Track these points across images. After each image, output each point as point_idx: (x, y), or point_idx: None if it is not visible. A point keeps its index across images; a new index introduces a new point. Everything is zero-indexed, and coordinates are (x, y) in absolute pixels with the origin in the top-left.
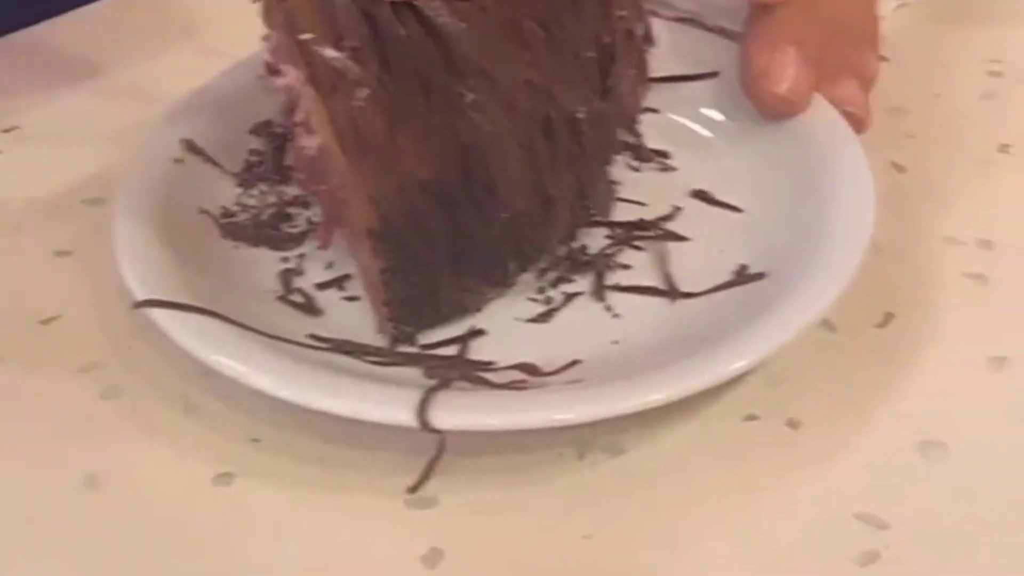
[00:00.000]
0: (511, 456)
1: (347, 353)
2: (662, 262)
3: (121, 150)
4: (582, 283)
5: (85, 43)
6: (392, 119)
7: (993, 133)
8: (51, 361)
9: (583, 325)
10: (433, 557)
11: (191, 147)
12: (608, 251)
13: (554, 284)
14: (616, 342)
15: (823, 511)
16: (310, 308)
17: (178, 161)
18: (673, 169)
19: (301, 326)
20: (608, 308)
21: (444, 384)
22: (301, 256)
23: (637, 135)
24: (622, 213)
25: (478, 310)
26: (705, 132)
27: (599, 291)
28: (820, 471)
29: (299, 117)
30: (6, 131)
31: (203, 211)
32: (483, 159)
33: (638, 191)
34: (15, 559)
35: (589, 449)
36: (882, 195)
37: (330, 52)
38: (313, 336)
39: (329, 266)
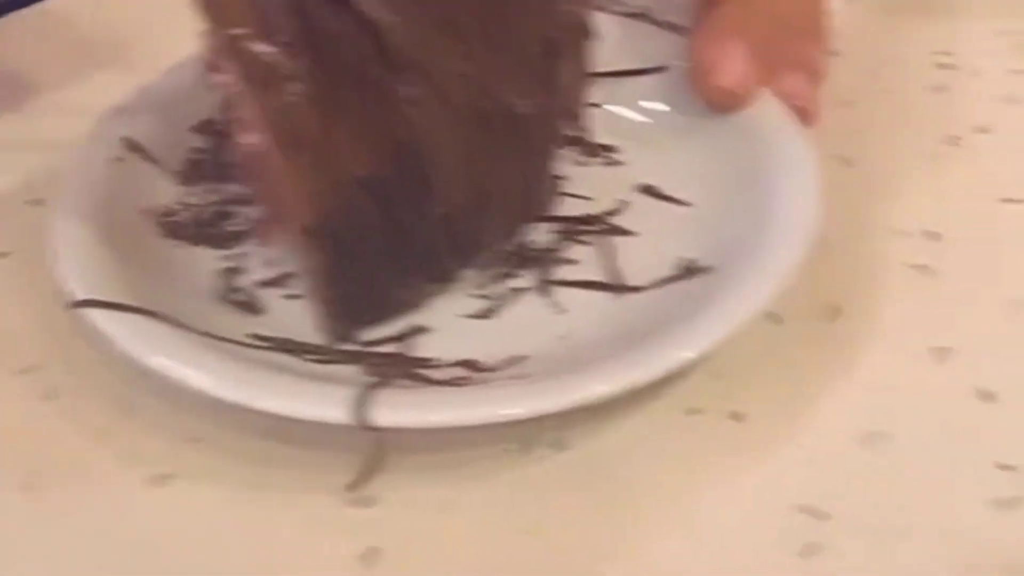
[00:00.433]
0: (454, 453)
1: (288, 352)
2: (608, 257)
3: (65, 151)
4: (527, 278)
5: (27, 49)
6: (326, 114)
7: (941, 125)
8: None
9: (528, 321)
10: (371, 556)
11: (132, 146)
12: (553, 246)
13: (498, 280)
14: (562, 337)
15: (766, 504)
16: (251, 307)
17: (119, 160)
18: (621, 164)
19: (242, 325)
20: (553, 303)
21: (384, 382)
22: (243, 255)
23: (583, 130)
24: (568, 208)
25: (420, 307)
26: (653, 126)
27: (544, 286)
28: (764, 464)
29: (237, 114)
30: None
31: (144, 210)
32: (420, 154)
33: (585, 186)
34: None
35: (533, 445)
36: (831, 188)
37: (262, 47)
38: (254, 335)
39: (271, 264)
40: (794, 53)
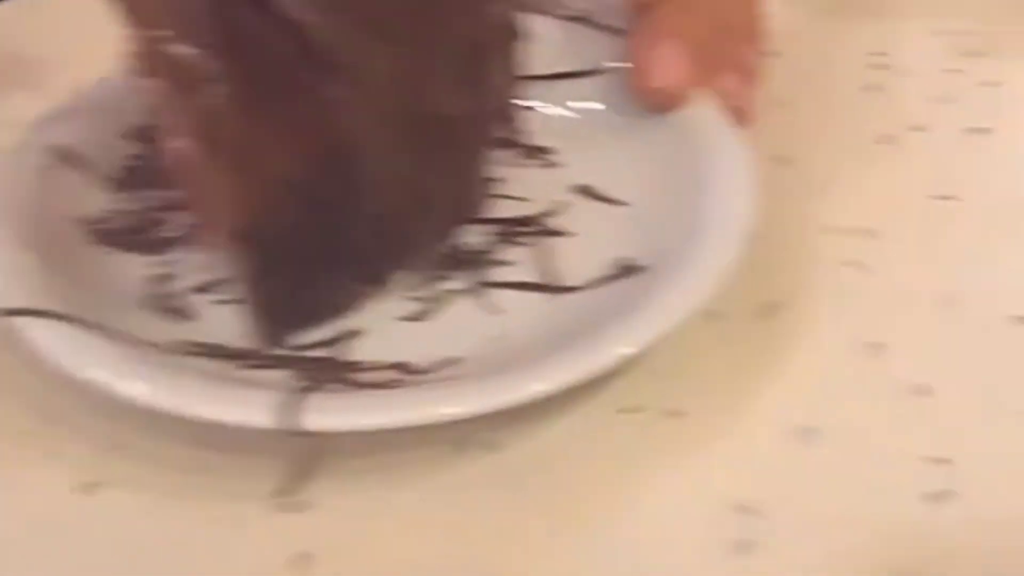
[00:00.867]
0: (387, 456)
1: (218, 357)
2: (544, 258)
3: None
4: (462, 280)
5: None
6: (250, 116)
7: (877, 125)
8: None
9: (462, 322)
10: (302, 562)
11: (62, 153)
12: (488, 248)
13: (433, 282)
14: (496, 338)
15: (702, 501)
16: (183, 313)
17: (48, 168)
18: (558, 165)
19: (174, 331)
20: (488, 305)
21: (314, 386)
22: (174, 261)
23: (517, 131)
24: (505, 210)
25: (353, 310)
26: (590, 128)
27: (479, 288)
28: (699, 461)
29: (163, 118)
30: None
31: (74, 218)
32: (348, 156)
33: (521, 187)
34: None
35: (466, 446)
36: (767, 186)
37: (182, 50)
38: (185, 341)
39: (203, 270)
40: (730, 54)
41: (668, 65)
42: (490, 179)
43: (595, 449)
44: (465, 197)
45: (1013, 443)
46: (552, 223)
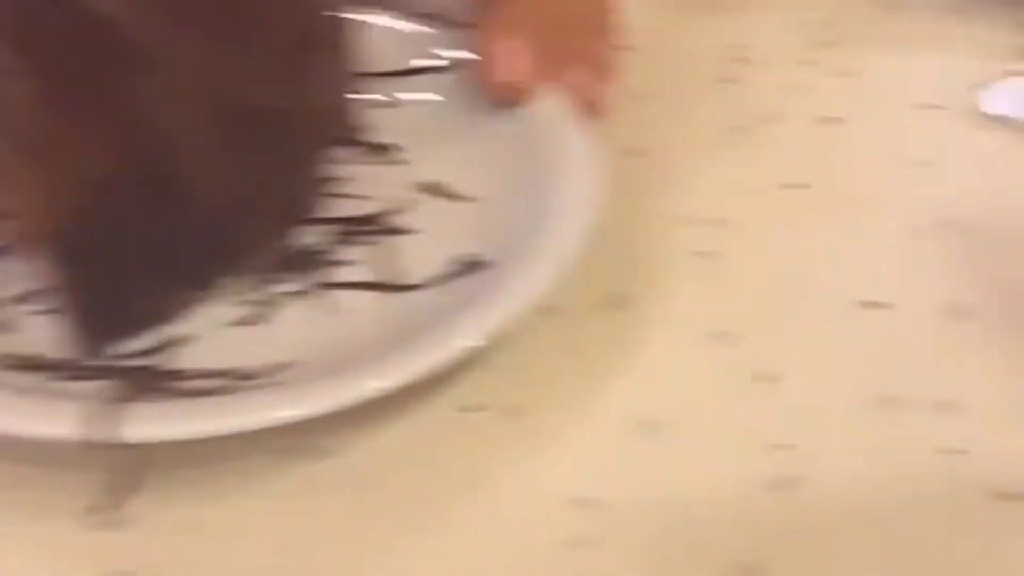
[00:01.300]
0: (210, 468)
1: (34, 369)
2: (386, 256)
3: None
4: (298, 282)
5: None
6: (57, 114)
7: (731, 116)
8: None
9: (298, 326)
10: None
11: None
12: (327, 248)
13: (266, 285)
14: (334, 340)
15: (541, 497)
16: (2, 324)
17: None
18: (404, 162)
19: None
20: (326, 307)
21: (132, 396)
22: None
23: (360, 129)
24: (346, 209)
25: (180, 316)
26: (437, 124)
27: (316, 289)
28: (540, 458)
29: None
30: None
31: None
32: (164, 154)
33: (364, 186)
34: None
35: (299, 453)
36: (621, 179)
37: None
38: (1, 354)
39: (21, 279)
40: (580, 48)
41: (514, 60)
42: (328, 178)
43: (435, 450)
44: (299, 197)
45: (858, 427)
46: (395, 221)
